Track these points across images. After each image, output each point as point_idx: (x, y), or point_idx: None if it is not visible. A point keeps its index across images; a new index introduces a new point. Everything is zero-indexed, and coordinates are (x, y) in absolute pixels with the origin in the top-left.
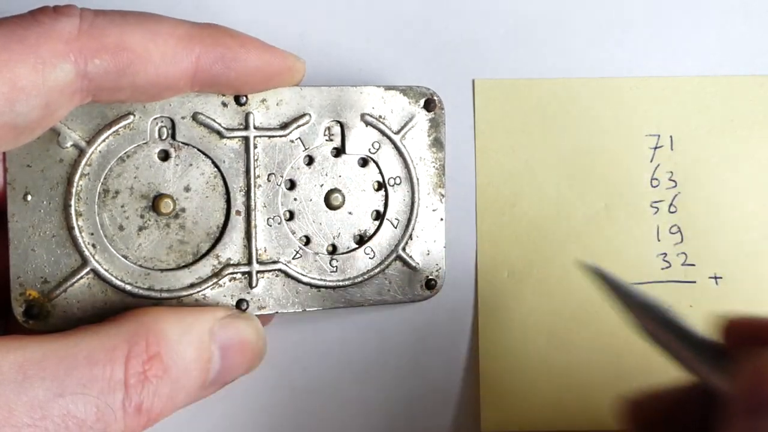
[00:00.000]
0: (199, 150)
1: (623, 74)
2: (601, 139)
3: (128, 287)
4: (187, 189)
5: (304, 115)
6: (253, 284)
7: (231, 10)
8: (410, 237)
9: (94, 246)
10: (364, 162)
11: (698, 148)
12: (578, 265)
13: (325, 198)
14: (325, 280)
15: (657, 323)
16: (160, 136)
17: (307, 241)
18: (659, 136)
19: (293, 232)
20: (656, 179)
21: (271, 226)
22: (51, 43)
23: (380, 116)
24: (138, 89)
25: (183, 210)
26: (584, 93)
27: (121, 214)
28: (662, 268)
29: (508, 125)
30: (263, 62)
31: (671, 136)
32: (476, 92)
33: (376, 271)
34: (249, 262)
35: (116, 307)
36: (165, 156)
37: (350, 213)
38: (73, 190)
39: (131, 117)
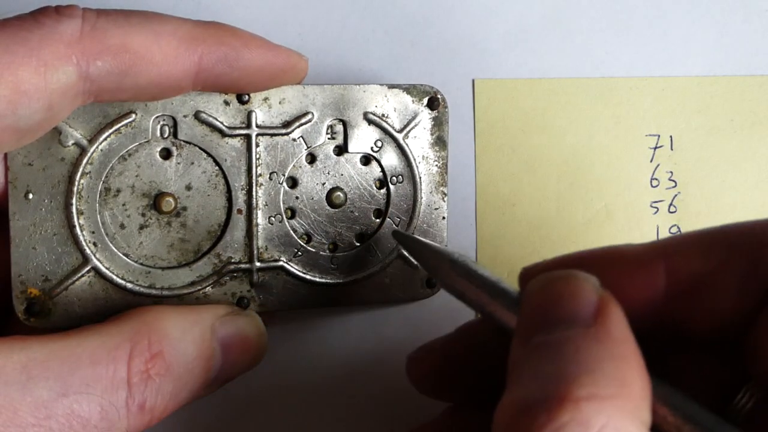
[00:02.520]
0: (200, 148)
1: (623, 74)
2: (601, 139)
3: (129, 285)
4: (188, 187)
5: (306, 113)
6: (254, 282)
7: (231, 10)
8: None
9: (95, 244)
10: (366, 160)
11: (698, 148)
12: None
13: (326, 196)
14: (326, 279)
15: (459, 275)
16: (162, 134)
17: (309, 239)
18: (659, 136)
19: (294, 231)
20: (656, 179)
21: (272, 224)
22: (53, 45)
23: (383, 115)
24: (140, 90)
25: (184, 208)
26: (584, 93)
27: (122, 212)
28: None
29: (508, 125)
30: (266, 62)
31: (671, 136)
32: (476, 92)
33: (377, 269)
34: (250, 261)
35: (117, 305)
36: (167, 154)
37: (352, 211)
38: (75, 189)
39: (133, 115)
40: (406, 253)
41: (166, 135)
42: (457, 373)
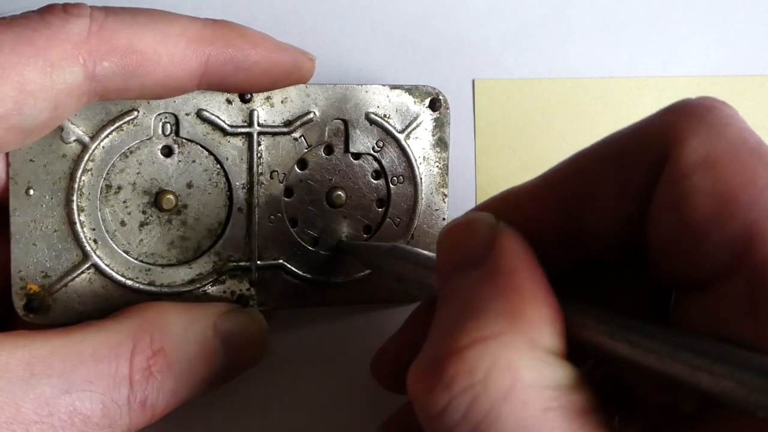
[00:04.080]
0: (202, 147)
1: (624, 74)
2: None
3: (129, 282)
4: (189, 185)
5: (308, 112)
6: (254, 281)
7: (232, 9)
8: (412, 236)
9: (95, 241)
10: (367, 161)
11: None
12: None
13: (327, 196)
14: (325, 277)
15: (398, 258)
16: (164, 132)
17: (309, 238)
18: None
19: (295, 230)
20: None
21: (272, 223)
22: (60, 45)
23: (385, 115)
24: (146, 90)
25: (185, 206)
26: (584, 93)
27: (123, 209)
28: None
29: (508, 125)
30: (272, 64)
31: None
32: (476, 92)
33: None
34: (250, 259)
35: (117, 302)
36: (168, 152)
37: (352, 211)
38: (76, 186)
39: (135, 113)
40: (356, 259)
41: (168, 133)
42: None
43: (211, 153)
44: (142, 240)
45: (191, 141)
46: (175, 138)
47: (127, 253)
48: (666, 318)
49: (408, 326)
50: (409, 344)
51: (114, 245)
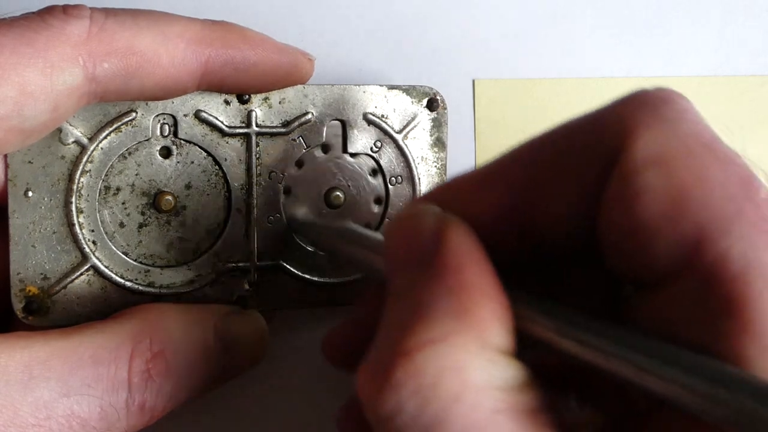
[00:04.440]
0: (200, 147)
1: (623, 74)
2: None
3: (128, 284)
4: (188, 187)
5: (306, 113)
6: (253, 282)
7: (232, 10)
8: None
9: (94, 243)
10: (365, 161)
11: None
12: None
13: (325, 196)
14: (324, 278)
15: (342, 239)
16: (162, 133)
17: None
18: None
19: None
20: None
21: (271, 224)
22: (60, 46)
23: (382, 115)
24: (146, 91)
25: (184, 207)
26: (584, 93)
27: (122, 210)
28: None
29: (508, 125)
30: (272, 66)
31: None
32: (476, 92)
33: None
34: (249, 260)
35: (116, 304)
36: (167, 153)
37: (351, 211)
38: (75, 187)
39: (133, 114)
40: (300, 240)
41: (166, 134)
42: (360, 342)
43: (209, 154)
44: (141, 241)
45: (190, 142)
46: (173, 139)
47: (126, 254)
48: (621, 315)
49: (360, 307)
50: (361, 325)
51: (113, 246)
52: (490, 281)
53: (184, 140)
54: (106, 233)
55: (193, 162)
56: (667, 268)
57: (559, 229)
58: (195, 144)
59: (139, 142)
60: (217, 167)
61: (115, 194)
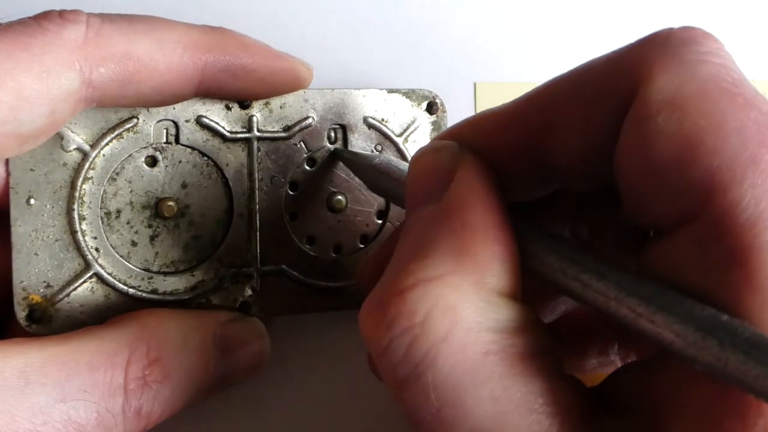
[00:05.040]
0: (202, 153)
1: None
2: None
3: (131, 291)
4: (184, 186)
5: (306, 118)
6: (256, 287)
7: (232, 13)
8: None
9: (97, 250)
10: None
11: None
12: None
13: (327, 200)
14: (327, 283)
15: (381, 172)
16: (167, 139)
17: (310, 243)
18: None
19: (296, 235)
20: None
21: (273, 229)
22: (56, 51)
23: (383, 119)
24: (143, 96)
25: (187, 207)
26: None
27: (129, 230)
28: None
29: None
30: (269, 72)
31: None
32: (477, 95)
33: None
34: (252, 265)
35: (119, 311)
36: (153, 162)
37: (352, 215)
38: (77, 194)
39: (135, 120)
40: (347, 168)
41: (167, 140)
42: None
43: (211, 159)
44: (157, 253)
45: (169, 143)
46: (154, 145)
47: (148, 270)
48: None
49: (392, 238)
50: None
51: (115, 253)
52: (496, 221)
53: (164, 143)
54: (121, 257)
55: (180, 161)
56: (679, 214)
57: (575, 170)
58: (197, 149)
59: (124, 160)
60: (205, 158)
61: (117, 217)
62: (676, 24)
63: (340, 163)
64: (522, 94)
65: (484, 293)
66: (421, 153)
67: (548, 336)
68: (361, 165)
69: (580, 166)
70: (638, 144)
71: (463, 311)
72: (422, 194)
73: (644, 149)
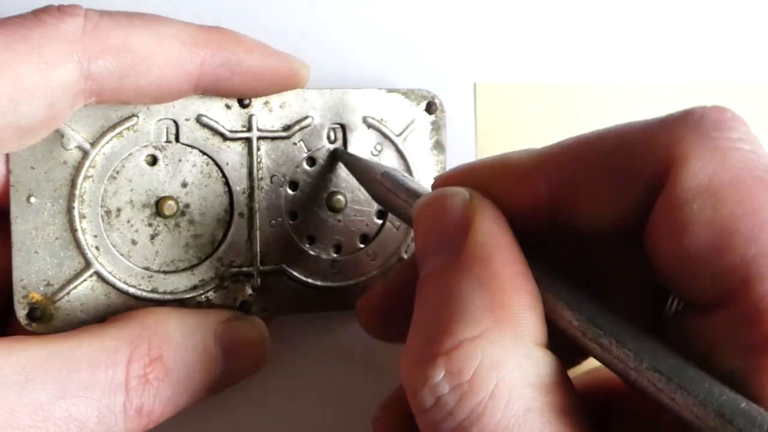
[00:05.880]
0: (202, 152)
1: (626, 79)
2: None
3: (132, 290)
4: (184, 185)
5: (306, 117)
6: (256, 286)
7: (232, 13)
8: (412, 239)
9: (97, 248)
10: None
11: None
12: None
13: (327, 200)
14: (327, 283)
15: (388, 188)
16: (167, 138)
17: (310, 242)
18: None
19: (296, 234)
20: None
21: (273, 228)
22: (54, 43)
23: (382, 119)
24: (141, 91)
25: (187, 206)
26: (586, 97)
27: (129, 229)
28: None
29: (509, 129)
30: (268, 67)
31: None
32: (478, 96)
33: (378, 273)
34: (251, 264)
35: (119, 310)
36: (153, 161)
37: (352, 215)
38: (77, 192)
39: (135, 119)
40: (346, 169)
41: (167, 139)
42: (398, 309)
43: (211, 158)
44: (157, 251)
45: (170, 142)
46: (154, 144)
47: (147, 269)
48: (658, 315)
49: (398, 272)
50: (398, 289)
51: (116, 252)
52: (521, 270)
53: (164, 142)
54: (121, 255)
55: (180, 160)
56: (712, 298)
57: (595, 230)
58: (197, 148)
59: (124, 158)
60: (205, 157)
61: (117, 216)
62: (676, 24)
63: (340, 162)
64: (544, 147)
65: (523, 347)
66: (430, 200)
67: (575, 392)
68: (364, 175)
69: (601, 228)
70: (673, 228)
71: (507, 367)
72: (436, 244)
73: (679, 234)
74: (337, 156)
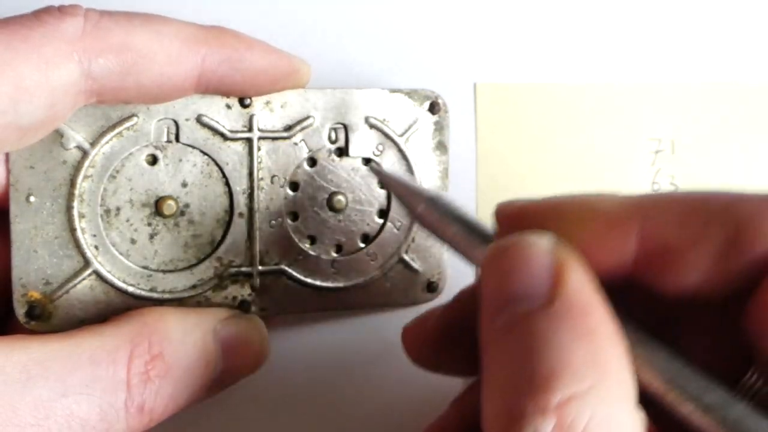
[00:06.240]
0: (202, 152)
1: (626, 79)
2: (602, 142)
3: (130, 289)
4: (184, 184)
5: (307, 117)
6: (255, 286)
7: (233, 13)
8: (412, 240)
9: (96, 247)
10: (366, 164)
11: (699, 152)
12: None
13: (327, 200)
14: (327, 283)
15: (438, 214)
16: (167, 138)
17: (311, 242)
18: (661, 140)
19: (296, 235)
20: (657, 183)
21: (273, 228)
22: (55, 42)
23: (384, 119)
24: (143, 90)
25: (187, 206)
26: (586, 97)
27: (128, 228)
28: None
29: (509, 129)
30: (269, 65)
31: (672, 141)
32: (478, 96)
33: (378, 273)
34: (251, 264)
35: (118, 309)
36: (153, 160)
37: (353, 215)
38: (76, 192)
39: (135, 119)
40: (383, 188)
41: (167, 139)
42: (453, 341)
43: (211, 158)
44: (156, 251)
45: (170, 142)
46: (155, 144)
47: (146, 267)
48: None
49: (456, 302)
50: (454, 320)
51: (115, 251)
52: (613, 326)
53: (165, 141)
54: (120, 253)
55: (180, 160)
56: None
57: (680, 294)
58: (197, 148)
59: (124, 157)
60: (205, 157)
61: (116, 215)
62: (676, 24)
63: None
64: (640, 196)
65: (626, 406)
66: (506, 247)
67: None
68: (408, 195)
69: (687, 294)
70: None
71: (614, 424)
72: (520, 292)
73: None
74: (375, 172)
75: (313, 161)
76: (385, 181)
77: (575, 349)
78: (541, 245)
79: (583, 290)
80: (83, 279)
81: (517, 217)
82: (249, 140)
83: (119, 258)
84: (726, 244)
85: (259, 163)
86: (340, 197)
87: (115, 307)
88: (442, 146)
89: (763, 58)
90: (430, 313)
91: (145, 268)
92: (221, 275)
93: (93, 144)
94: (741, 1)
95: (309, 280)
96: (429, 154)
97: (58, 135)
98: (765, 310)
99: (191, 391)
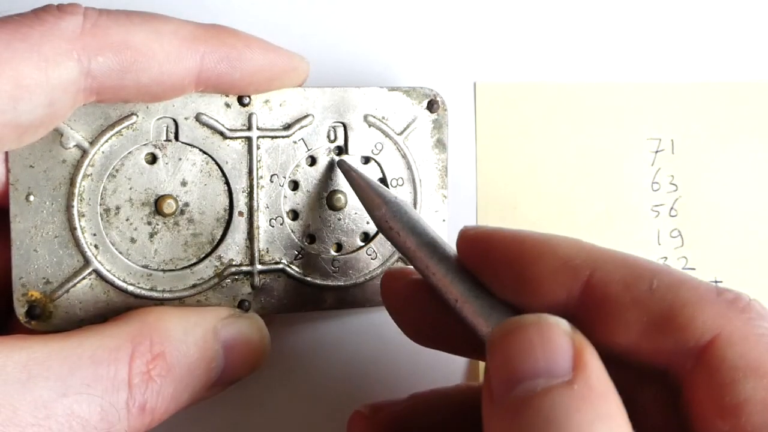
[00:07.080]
0: (202, 151)
1: (625, 78)
2: (602, 142)
3: (130, 288)
4: (183, 183)
5: (307, 116)
6: (255, 285)
7: (232, 12)
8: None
9: (96, 247)
10: (366, 163)
11: (699, 152)
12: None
13: (327, 199)
14: (327, 282)
15: (398, 224)
16: (166, 136)
17: (310, 241)
18: (660, 139)
19: (295, 233)
20: (657, 183)
21: (273, 227)
22: (54, 41)
23: (383, 117)
24: (142, 88)
25: (186, 204)
26: (586, 96)
27: (128, 227)
28: None
29: (509, 128)
30: (268, 62)
31: (672, 140)
32: (478, 95)
33: (378, 272)
34: (251, 263)
35: (118, 308)
36: (152, 159)
37: (353, 214)
38: (76, 191)
39: (134, 117)
40: (348, 184)
41: (167, 137)
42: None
43: (211, 157)
44: (156, 250)
45: (169, 141)
46: (154, 143)
47: (146, 266)
48: None
49: (418, 398)
50: (416, 417)
51: (115, 250)
52: (625, 413)
53: (164, 140)
54: (120, 252)
55: (180, 159)
56: None
57: (615, 345)
58: (196, 147)
59: (124, 156)
60: (205, 156)
61: (116, 214)
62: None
63: (336, 159)
64: (602, 248)
65: None
66: (528, 323)
67: None
68: (368, 197)
69: (622, 349)
70: (723, 404)
71: None
72: (539, 367)
73: (734, 411)
74: (339, 166)
75: (312, 160)
76: (349, 179)
77: (596, 430)
78: (561, 326)
79: (602, 375)
80: (83, 278)
81: (481, 243)
82: (248, 139)
83: (119, 257)
84: (659, 319)
85: (259, 161)
86: (340, 195)
87: (115, 307)
88: (440, 144)
89: (763, 58)
90: (388, 403)
91: (145, 267)
92: (221, 274)
93: (92, 143)
94: (741, 1)
95: (309, 279)
96: (428, 152)
97: (58, 134)
98: (696, 405)
99: (192, 391)
